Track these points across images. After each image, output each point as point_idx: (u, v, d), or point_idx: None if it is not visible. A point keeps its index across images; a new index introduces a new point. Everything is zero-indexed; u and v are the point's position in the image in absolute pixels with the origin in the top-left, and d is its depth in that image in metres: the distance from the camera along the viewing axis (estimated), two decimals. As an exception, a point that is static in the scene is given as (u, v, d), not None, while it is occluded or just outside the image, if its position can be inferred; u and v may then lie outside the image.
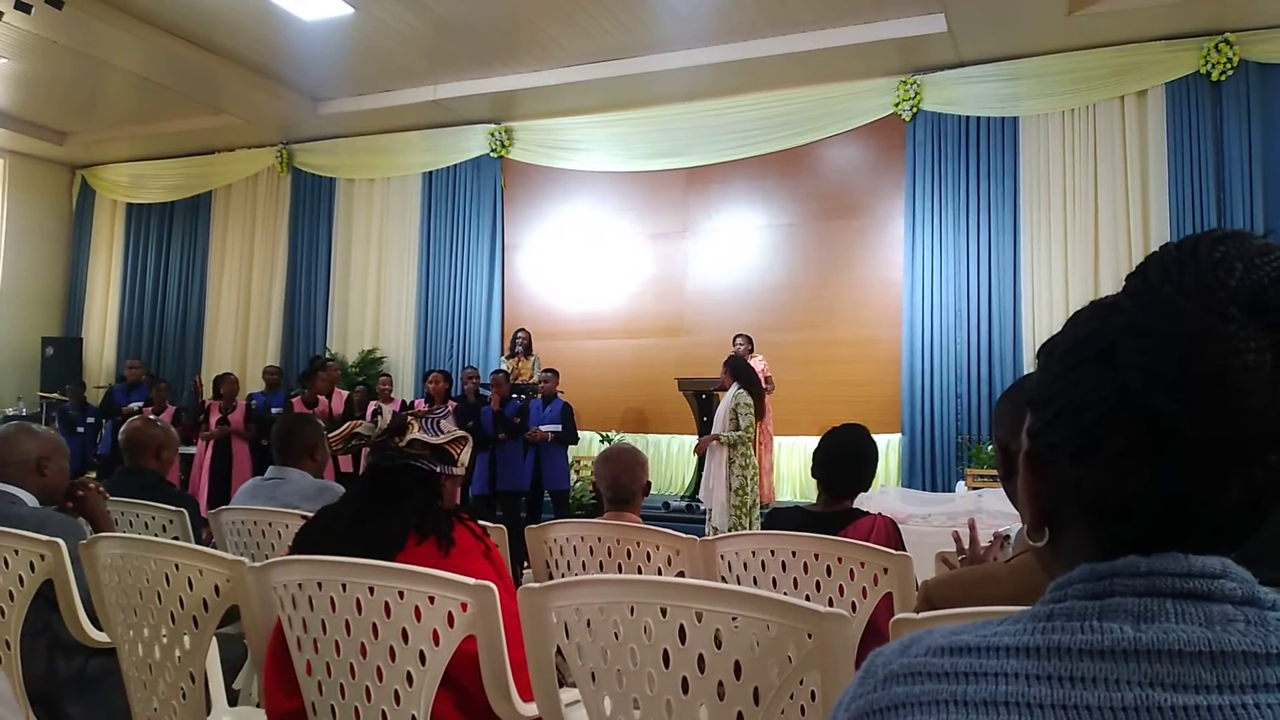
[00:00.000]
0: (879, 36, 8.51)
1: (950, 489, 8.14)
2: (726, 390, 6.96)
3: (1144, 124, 8.55)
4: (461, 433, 2.19)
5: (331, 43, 9.12)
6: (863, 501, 3.01)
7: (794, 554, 2.42)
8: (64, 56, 9.44)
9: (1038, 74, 8.76)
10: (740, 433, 6.74)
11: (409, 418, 2.13)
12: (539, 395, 8.46)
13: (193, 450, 9.16)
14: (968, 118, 9.16)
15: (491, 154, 11.08)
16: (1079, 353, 0.64)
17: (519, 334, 9.63)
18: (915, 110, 9.27)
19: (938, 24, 8.21)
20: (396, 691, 1.84)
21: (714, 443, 6.85)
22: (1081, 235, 8.63)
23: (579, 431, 9.90)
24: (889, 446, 8.91)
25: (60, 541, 2.42)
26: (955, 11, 7.90)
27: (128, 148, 12.75)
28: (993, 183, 9.06)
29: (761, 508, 6.96)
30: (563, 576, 2.89)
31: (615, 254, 10.75)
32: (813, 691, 1.56)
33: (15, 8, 7.58)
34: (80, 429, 9.93)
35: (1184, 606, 0.58)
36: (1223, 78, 8.18)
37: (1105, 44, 8.44)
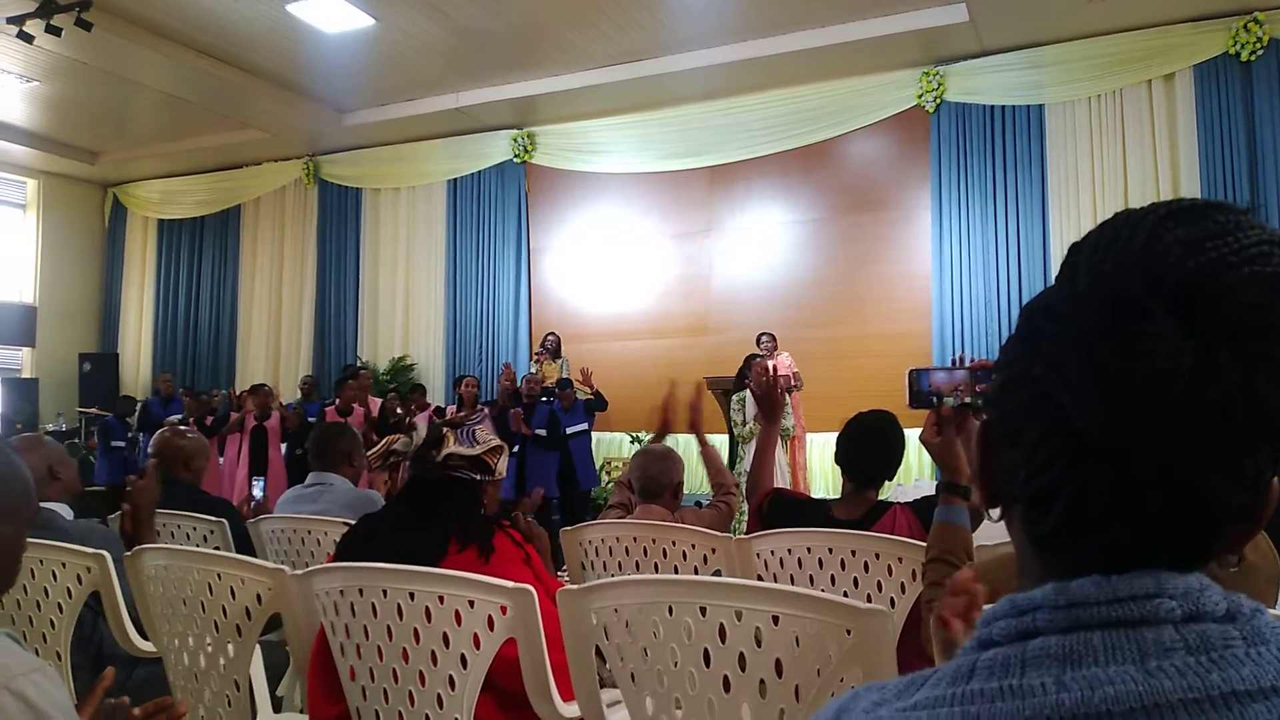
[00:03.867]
0: (900, 29, 8.46)
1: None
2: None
3: (1173, 108, 8.43)
4: (497, 442, 2.20)
5: (354, 54, 9.20)
6: (898, 495, 2.97)
7: (830, 550, 2.42)
8: (93, 77, 9.60)
9: (1062, 61, 8.67)
10: (789, 425, 6.89)
11: (444, 429, 2.15)
12: (558, 399, 8.53)
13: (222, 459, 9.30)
14: (992, 107, 9.09)
15: (515, 159, 11.13)
16: (1025, 326, 0.59)
17: (549, 337, 9.69)
18: (938, 101, 9.21)
19: (959, 14, 8.14)
20: (439, 695, 1.86)
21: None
22: (1112, 222, 8.54)
23: (607, 434, 9.95)
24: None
25: (106, 554, 2.45)
26: (976, 0, 7.84)
27: (157, 165, 12.94)
28: (1019, 172, 8.98)
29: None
30: (598, 577, 2.90)
31: (640, 255, 10.77)
32: (854, 688, 1.55)
33: (45, 31, 7.71)
34: (120, 443, 10.08)
35: (1113, 639, 0.51)
36: (1253, 58, 8.05)
37: (1130, 28, 8.34)
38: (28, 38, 7.88)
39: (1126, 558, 0.54)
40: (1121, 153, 8.59)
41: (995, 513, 0.64)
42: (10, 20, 7.80)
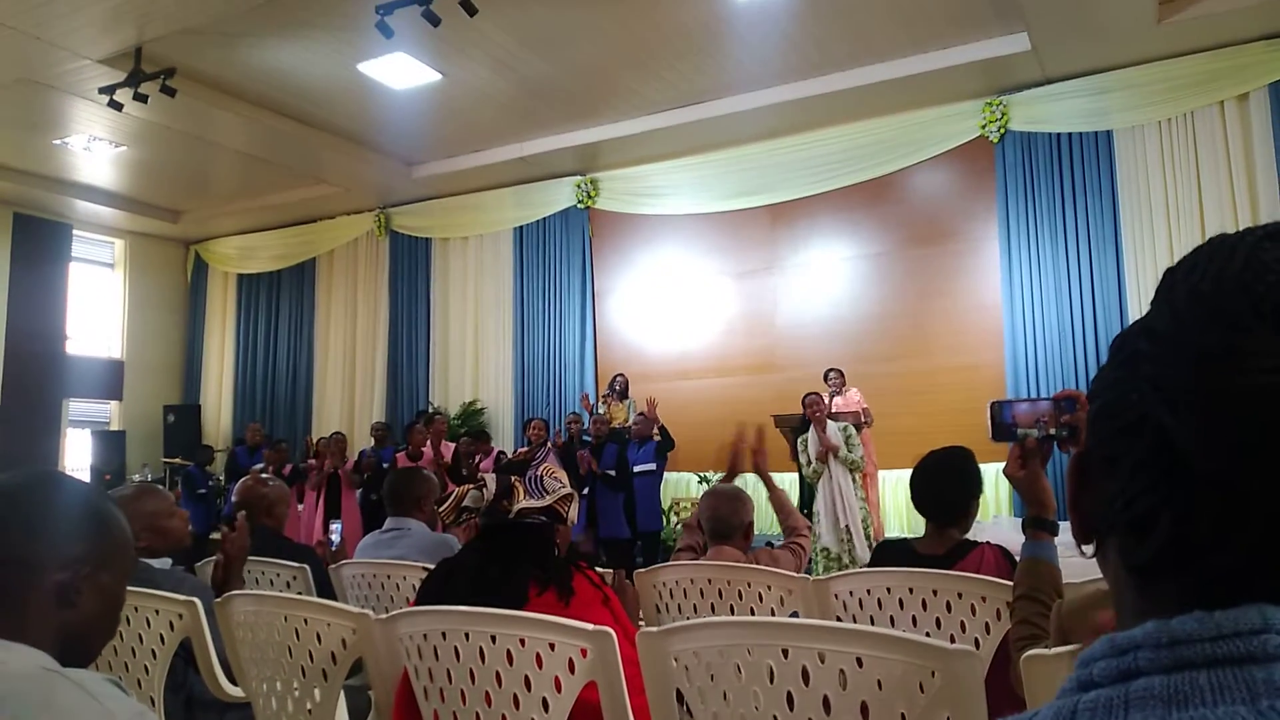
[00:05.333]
0: (961, 60, 8.43)
1: (1065, 516, 7.84)
2: (819, 427, 7.00)
3: (1247, 128, 8.21)
4: (567, 490, 2.22)
5: (422, 109, 9.48)
6: (976, 532, 2.90)
7: (911, 590, 2.38)
8: (176, 140, 10.05)
9: (1129, 85, 8.52)
10: (859, 456, 6.84)
11: (514, 480, 2.18)
12: (632, 439, 8.53)
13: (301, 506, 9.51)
14: (1058, 135, 8.96)
15: (578, 205, 11.31)
16: (1121, 350, 0.58)
17: (617, 378, 9.75)
18: (1003, 131, 9.11)
19: (1021, 43, 8.08)
20: (522, 739, 1.87)
21: (841, 478, 6.93)
22: (1187, 249, 8.19)
23: (674, 473, 9.91)
24: (999, 475, 8.64)
25: (196, 600, 2.52)
26: (1038, 29, 7.77)
27: (236, 221, 13.45)
28: (1089, 199, 8.81)
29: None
30: (673, 620, 2.89)
31: (704, 294, 10.81)
32: (941, 731, 1.52)
33: (133, 99, 8.12)
34: (202, 491, 10.38)
35: (1220, 678, 0.49)
36: (1331, 74, 7.82)
37: (1199, 49, 8.17)
38: (117, 106, 8.30)
39: (1229, 590, 0.51)
40: (1195, 176, 8.38)
41: (1089, 548, 0.62)
42: (102, 90, 8.24)
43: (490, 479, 2.19)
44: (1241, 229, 0.56)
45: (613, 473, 8.18)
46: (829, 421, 7.14)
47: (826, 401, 7.11)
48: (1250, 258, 0.53)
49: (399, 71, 8.59)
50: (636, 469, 8.30)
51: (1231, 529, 0.51)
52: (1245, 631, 0.49)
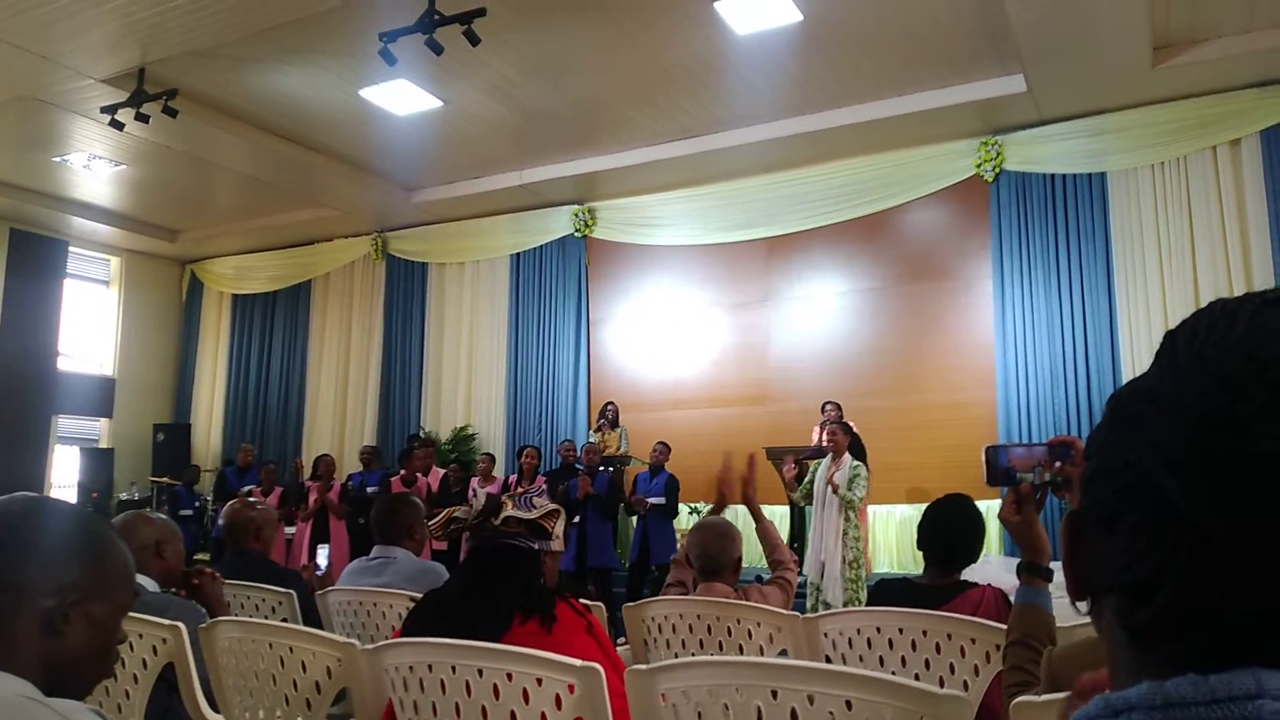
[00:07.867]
0: (957, 100, 8.51)
1: (1055, 557, 7.81)
2: (836, 456, 6.94)
3: (1239, 173, 8.30)
4: (554, 506, 2.23)
5: (422, 135, 9.54)
6: (968, 572, 2.92)
7: (901, 630, 2.37)
8: (176, 160, 10.09)
9: (1124, 128, 8.61)
10: (857, 497, 6.75)
11: (503, 498, 2.19)
12: (646, 467, 8.50)
13: (293, 530, 9.43)
14: (1053, 175, 9.04)
15: (576, 234, 11.35)
16: (1119, 411, 0.58)
17: (608, 406, 9.75)
18: (998, 171, 9.19)
19: (1016, 84, 8.17)
20: (506, 775, 1.85)
21: (830, 514, 6.83)
22: (1180, 291, 8.35)
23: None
24: (989, 513, 8.61)
25: (181, 625, 2.50)
26: (1034, 71, 7.86)
27: (233, 242, 13.45)
28: (1083, 240, 8.88)
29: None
30: (661, 655, 2.87)
31: (698, 325, 10.84)
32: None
33: (135, 119, 8.15)
34: (188, 512, 10.30)
35: None
36: (1322, 122, 7.92)
37: (1193, 94, 8.27)
38: (119, 125, 8.33)
39: (1224, 653, 0.51)
40: (1188, 220, 8.45)
41: (1083, 605, 0.62)
42: (104, 109, 8.28)
43: (482, 492, 2.21)
44: (1240, 294, 0.56)
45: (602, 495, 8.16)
46: (845, 460, 7.05)
47: (841, 435, 7.05)
48: (1252, 324, 0.53)
49: (401, 97, 8.65)
50: (649, 500, 8.20)
51: (1235, 595, 0.51)
52: (1239, 696, 0.49)
